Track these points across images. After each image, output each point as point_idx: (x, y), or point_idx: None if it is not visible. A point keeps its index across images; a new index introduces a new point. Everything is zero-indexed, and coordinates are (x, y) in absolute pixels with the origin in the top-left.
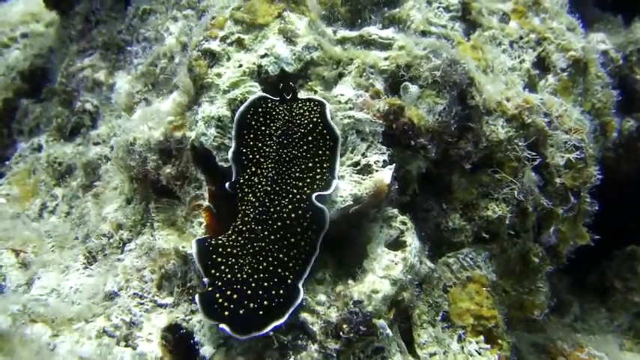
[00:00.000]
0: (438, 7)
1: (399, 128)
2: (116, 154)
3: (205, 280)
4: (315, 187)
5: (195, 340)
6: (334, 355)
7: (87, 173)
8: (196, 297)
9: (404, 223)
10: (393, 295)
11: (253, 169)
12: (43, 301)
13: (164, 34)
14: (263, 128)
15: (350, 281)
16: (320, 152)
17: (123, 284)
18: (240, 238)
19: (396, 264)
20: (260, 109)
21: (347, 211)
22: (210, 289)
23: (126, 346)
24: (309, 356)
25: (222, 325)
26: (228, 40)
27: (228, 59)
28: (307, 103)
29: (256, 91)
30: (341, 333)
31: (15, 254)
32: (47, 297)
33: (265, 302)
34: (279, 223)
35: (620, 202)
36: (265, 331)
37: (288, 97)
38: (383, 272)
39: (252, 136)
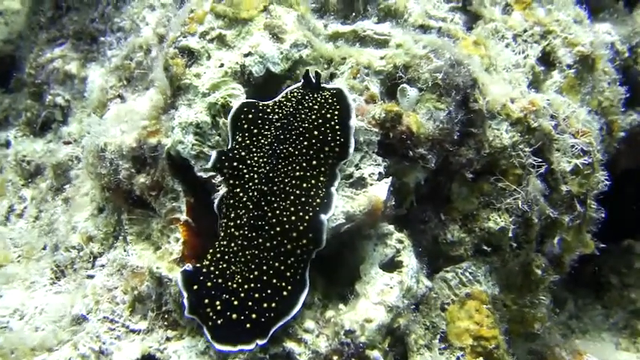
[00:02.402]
0: None
1: (396, 137)
2: (86, 160)
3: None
4: (319, 190)
5: None
6: None
7: (57, 175)
8: (179, 278)
9: (400, 242)
10: (389, 323)
11: (242, 154)
12: (5, 324)
13: (140, 25)
14: (272, 115)
15: (341, 306)
16: (327, 149)
17: (92, 306)
18: (232, 244)
19: (391, 288)
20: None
21: (338, 231)
22: (199, 280)
23: None
24: None
25: (204, 329)
26: (209, 37)
27: (209, 58)
28: (324, 94)
29: (239, 94)
30: None
31: None
32: (9, 319)
33: (254, 315)
34: (277, 229)
35: (618, 196)
36: (249, 347)
37: (314, 86)
38: (377, 298)
39: (260, 120)
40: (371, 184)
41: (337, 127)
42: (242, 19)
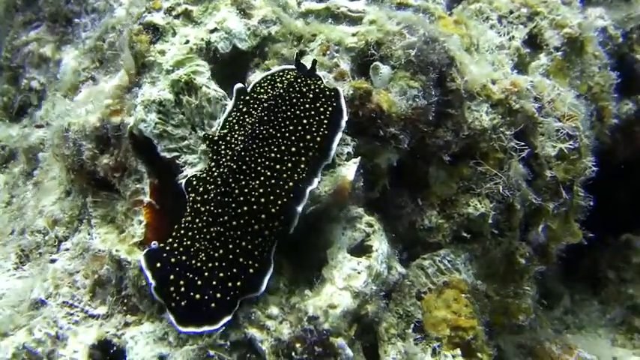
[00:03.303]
0: None
1: (365, 116)
2: (52, 141)
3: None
4: (296, 175)
5: (127, 359)
6: None
7: (28, 159)
8: (142, 258)
9: (370, 225)
10: (355, 310)
11: (226, 132)
12: None
13: (114, 5)
14: (262, 94)
15: (307, 291)
16: (309, 137)
17: (52, 291)
18: (197, 220)
19: (359, 273)
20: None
21: (303, 213)
22: (163, 257)
23: None
24: None
25: (167, 311)
26: (174, 12)
27: (174, 34)
28: (317, 83)
29: (204, 70)
30: (293, 353)
31: None
32: None
33: (219, 295)
34: (244, 208)
35: (615, 187)
36: (215, 327)
37: (306, 70)
38: (343, 283)
39: (248, 97)
40: (339, 164)
41: (326, 126)
42: None
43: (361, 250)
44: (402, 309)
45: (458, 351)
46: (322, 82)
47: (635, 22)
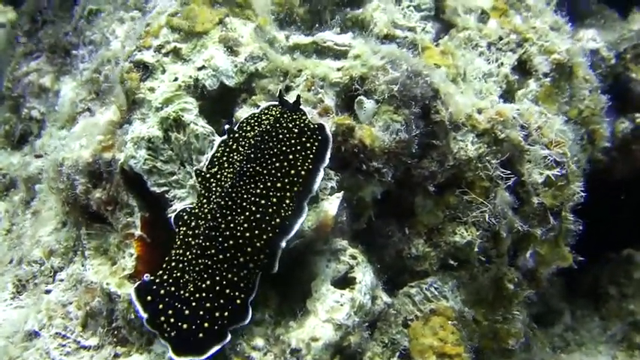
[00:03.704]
0: (409, 7)
1: (348, 150)
2: (47, 174)
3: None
4: (283, 210)
5: None
6: None
7: (28, 189)
8: (132, 292)
9: (354, 257)
10: (337, 342)
11: (216, 170)
12: None
13: (110, 37)
14: (249, 132)
15: (292, 323)
16: (293, 172)
17: (45, 322)
18: (187, 253)
19: (341, 305)
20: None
21: (287, 247)
22: (152, 290)
23: None
24: None
25: (163, 341)
26: (164, 50)
27: (163, 72)
28: (303, 120)
29: (192, 107)
30: None
31: None
32: None
33: (206, 324)
34: (230, 242)
35: (615, 204)
36: (204, 357)
37: (290, 106)
38: (326, 315)
39: (237, 135)
40: (322, 199)
41: (311, 160)
42: (197, 32)
43: (345, 282)
44: (387, 337)
45: None
46: (307, 117)
47: (628, 42)
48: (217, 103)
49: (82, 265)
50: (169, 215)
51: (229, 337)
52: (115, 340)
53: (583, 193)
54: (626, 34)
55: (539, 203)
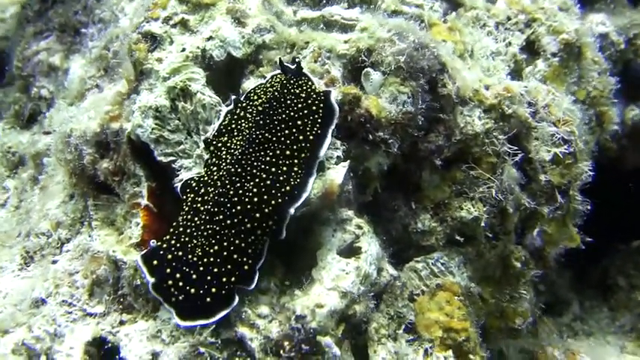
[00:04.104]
0: None
1: (355, 120)
2: (55, 146)
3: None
4: (292, 178)
5: (121, 356)
6: None
7: (36, 165)
8: (139, 260)
9: (359, 227)
10: (343, 309)
11: (225, 139)
12: None
13: (119, 15)
14: (256, 100)
15: (297, 292)
16: (302, 138)
17: (52, 290)
18: (196, 218)
19: (347, 274)
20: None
21: (295, 214)
22: (159, 255)
23: None
24: None
25: (167, 307)
26: (172, 22)
27: (171, 43)
28: (309, 85)
29: (199, 77)
30: (281, 351)
31: None
32: None
33: (214, 289)
34: (238, 207)
35: (625, 194)
36: (210, 320)
37: (294, 71)
38: (332, 283)
39: (244, 104)
40: (328, 168)
41: (319, 125)
42: (205, 4)
43: (350, 251)
44: (393, 310)
45: (450, 352)
46: (312, 81)
47: (639, 28)
48: (224, 74)
49: (89, 236)
50: (176, 185)
51: (237, 300)
52: (120, 307)
53: (591, 173)
54: (637, 20)
55: (547, 181)
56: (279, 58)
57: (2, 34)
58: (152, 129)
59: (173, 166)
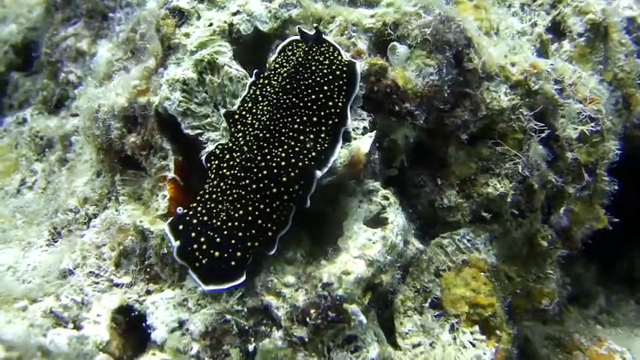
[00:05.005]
0: None
1: (381, 91)
2: (83, 123)
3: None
4: (319, 144)
5: (148, 323)
6: (300, 343)
7: (64, 146)
8: (166, 227)
9: (386, 198)
10: (369, 278)
11: (250, 106)
12: None
13: None
14: (279, 69)
15: (323, 261)
16: (331, 104)
17: (79, 261)
18: (222, 184)
19: (373, 243)
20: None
21: (320, 184)
22: (185, 220)
23: (74, 328)
24: (272, 344)
25: (191, 273)
26: None
27: (198, 18)
28: (331, 52)
29: (226, 51)
30: (308, 319)
31: None
32: (1, 275)
33: (238, 253)
34: (265, 172)
35: None
36: (237, 282)
37: (313, 38)
38: (358, 252)
39: (267, 73)
40: (355, 138)
41: (345, 92)
42: None
43: (377, 222)
44: (419, 284)
45: (476, 328)
46: (334, 46)
47: None
48: (251, 49)
49: (116, 210)
50: (202, 157)
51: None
52: (147, 277)
53: (618, 152)
54: None
55: (573, 159)
56: (299, 28)
57: (30, 25)
58: (179, 102)
59: (200, 139)
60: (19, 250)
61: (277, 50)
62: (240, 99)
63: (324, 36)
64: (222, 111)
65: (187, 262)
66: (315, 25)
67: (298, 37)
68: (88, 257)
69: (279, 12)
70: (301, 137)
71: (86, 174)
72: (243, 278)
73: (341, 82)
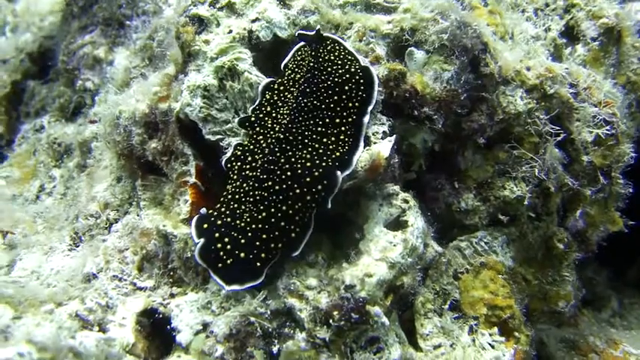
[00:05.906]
0: None
1: (400, 96)
2: (103, 129)
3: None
4: (340, 147)
5: (172, 326)
6: (323, 344)
7: (82, 152)
8: (193, 222)
9: (406, 201)
10: (391, 280)
11: (269, 110)
12: (22, 284)
13: (163, 7)
14: (293, 75)
15: (345, 264)
16: (350, 105)
17: (102, 265)
18: (245, 185)
19: (394, 245)
20: (300, 54)
21: (341, 188)
22: (210, 220)
23: (99, 330)
24: (296, 345)
25: (211, 274)
26: (218, 5)
27: (218, 25)
28: (338, 49)
29: (246, 57)
30: (331, 320)
31: (2, 235)
32: (25, 279)
33: (263, 254)
34: (288, 173)
35: None
36: (254, 283)
37: (314, 38)
38: (380, 254)
39: (283, 79)
40: (375, 143)
41: (363, 90)
42: None
43: (397, 225)
44: (438, 286)
45: (495, 329)
46: (338, 42)
47: None
48: (270, 55)
49: (137, 215)
50: (222, 160)
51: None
52: (170, 280)
53: (633, 154)
54: None
55: (589, 162)
56: (299, 32)
57: (46, 34)
58: (200, 108)
59: (221, 144)
60: (41, 254)
61: (287, 58)
62: (253, 105)
63: (322, 33)
64: (236, 119)
65: (208, 264)
66: (318, 29)
67: (303, 44)
68: (111, 261)
69: (297, 19)
70: (324, 139)
71: (106, 179)
72: (262, 278)
73: (360, 80)
